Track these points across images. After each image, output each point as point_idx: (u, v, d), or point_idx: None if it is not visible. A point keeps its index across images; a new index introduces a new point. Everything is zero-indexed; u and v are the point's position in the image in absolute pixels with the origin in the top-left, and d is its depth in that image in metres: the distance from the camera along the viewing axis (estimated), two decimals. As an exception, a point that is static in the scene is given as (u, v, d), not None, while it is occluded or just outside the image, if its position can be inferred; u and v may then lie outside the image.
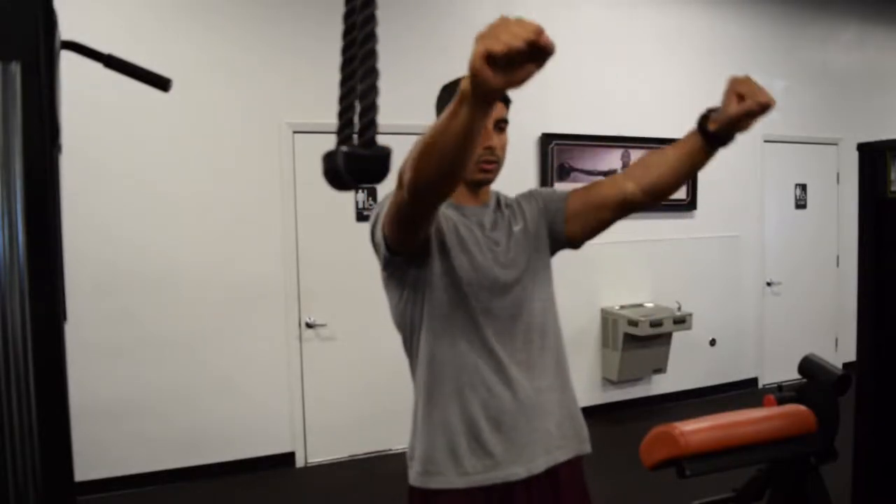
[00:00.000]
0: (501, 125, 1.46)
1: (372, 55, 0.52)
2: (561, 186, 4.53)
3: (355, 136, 0.53)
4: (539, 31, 0.81)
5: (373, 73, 0.52)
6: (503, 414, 1.39)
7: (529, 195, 1.60)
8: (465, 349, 1.39)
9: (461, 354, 1.39)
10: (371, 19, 0.51)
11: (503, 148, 1.47)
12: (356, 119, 0.53)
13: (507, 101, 1.48)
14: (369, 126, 0.52)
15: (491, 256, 1.44)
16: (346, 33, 0.53)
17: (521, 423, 1.40)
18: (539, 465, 1.42)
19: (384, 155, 0.52)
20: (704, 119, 1.33)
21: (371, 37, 0.51)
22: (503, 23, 0.82)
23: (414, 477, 1.43)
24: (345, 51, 0.53)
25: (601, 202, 1.49)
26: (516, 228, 1.51)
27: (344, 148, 0.51)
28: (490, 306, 1.41)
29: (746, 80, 1.24)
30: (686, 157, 1.38)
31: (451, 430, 1.39)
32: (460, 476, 1.37)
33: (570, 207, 1.53)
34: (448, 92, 1.46)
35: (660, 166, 1.42)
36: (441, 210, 1.42)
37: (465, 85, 0.92)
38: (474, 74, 0.86)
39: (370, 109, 0.52)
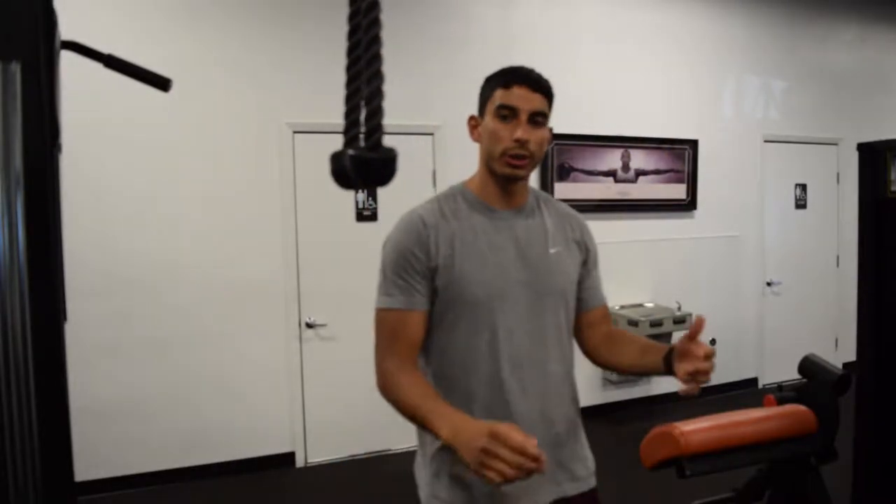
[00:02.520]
0: (538, 119, 1.34)
1: (377, 59, 0.52)
2: (561, 186, 4.53)
3: (361, 137, 0.53)
4: (529, 453, 1.02)
5: (378, 76, 0.52)
6: None
7: (581, 230, 1.53)
8: (476, 382, 1.36)
9: (470, 387, 1.36)
10: (376, 22, 0.51)
11: (539, 143, 1.35)
12: (362, 119, 0.53)
13: (549, 95, 1.37)
14: (376, 129, 0.52)
15: (521, 276, 1.38)
16: (351, 34, 0.53)
17: None
18: (544, 498, 1.39)
19: (390, 157, 0.53)
20: (670, 353, 1.38)
21: (376, 40, 0.52)
22: (497, 448, 1.03)
23: None
24: (350, 52, 0.53)
25: (579, 322, 1.54)
26: (553, 251, 1.43)
27: (351, 151, 0.51)
28: (505, 335, 1.36)
29: (705, 358, 1.27)
30: (644, 368, 1.45)
31: (459, 461, 1.37)
32: None
33: (581, 286, 1.53)
34: (490, 84, 1.39)
35: (622, 356, 1.49)
36: (460, 224, 1.37)
37: (450, 440, 1.14)
38: (474, 470, 1.07)
39: (376, 113, 0.52)
